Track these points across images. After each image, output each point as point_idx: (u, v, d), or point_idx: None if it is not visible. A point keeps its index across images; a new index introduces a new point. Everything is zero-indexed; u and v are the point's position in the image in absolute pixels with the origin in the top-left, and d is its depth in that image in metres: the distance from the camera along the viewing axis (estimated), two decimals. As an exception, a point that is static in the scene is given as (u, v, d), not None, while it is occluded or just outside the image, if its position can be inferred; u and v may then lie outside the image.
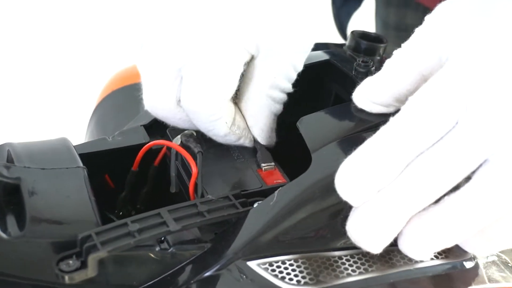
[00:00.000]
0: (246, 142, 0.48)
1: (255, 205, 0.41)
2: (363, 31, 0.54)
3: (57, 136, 0.47)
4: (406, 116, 0.37)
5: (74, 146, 0.46)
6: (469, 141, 0.36)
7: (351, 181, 0.37)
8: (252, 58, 0.46)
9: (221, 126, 0.46)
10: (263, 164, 0.45)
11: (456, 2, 0.41)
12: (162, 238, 0.40)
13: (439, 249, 0.38)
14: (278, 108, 0.48)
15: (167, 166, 0.48)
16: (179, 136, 0.46)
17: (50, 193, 0.40)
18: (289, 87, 0.48)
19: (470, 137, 0.36)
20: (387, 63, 0.42)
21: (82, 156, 0.44)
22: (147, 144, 0.47)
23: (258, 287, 0.37)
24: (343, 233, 0.39)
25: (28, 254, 0.37)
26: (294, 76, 0.48)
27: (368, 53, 0.52)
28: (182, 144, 0.46)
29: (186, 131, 0.47)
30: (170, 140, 0.47)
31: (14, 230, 0.37)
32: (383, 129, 0.37)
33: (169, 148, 0.47)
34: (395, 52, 0.42)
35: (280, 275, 0.38)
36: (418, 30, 0.42)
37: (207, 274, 0.38)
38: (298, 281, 0.38)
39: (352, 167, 0.37)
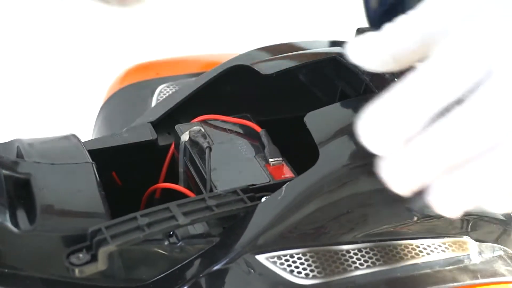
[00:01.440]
0: None
1: (263, 200, 0.41)
2: (368, 28, 0.54)
3: (65, 133, 0.47)
4: (436, 61, 0.34)
5: (82, 143, 0.46)
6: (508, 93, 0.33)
7: (376, 128, 0.34)
8: None
9: None
10: (271, 159, 0.45)
11: None
12: (171, 233, 0.40)
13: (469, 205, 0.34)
14: None
15: (175, 163, 0.48)
16: (187, 132, 0.47)
17: (60, 188, 0.40)
18: None
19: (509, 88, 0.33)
20: (389, 25, 0.38)
21: (90, 152, 0.45)
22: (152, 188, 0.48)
23: (266, 280, 0.38)
24: (351, 227, 0.39)
25: (38, 247, 0.37)
26: None
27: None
28: (190, 140, 0.46)
29: (194, 127, 0.47)
30: (179, 136, 0.47)
31: (25, 224, 0.38)
32: (412, 74, 0.34)
33: (177, 144, 0.48)
34: (398, 17, 0.38)
35: (288, 269, 0.38)
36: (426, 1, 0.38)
37: (216, 268, 0.38)
38: (307, 274, 0.38)
39: (377, 113, 0.34)
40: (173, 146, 0.49)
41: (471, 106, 0.33)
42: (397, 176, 0.34)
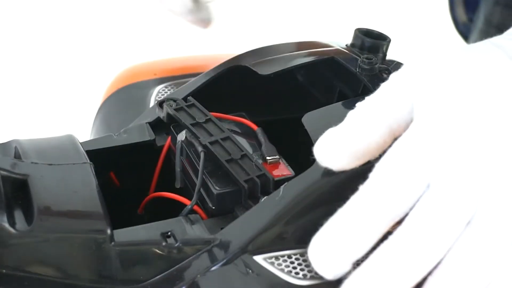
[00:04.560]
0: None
1: (261, 200, 0.41)
2: (367, 29, 0.54)
3: (63, 133, 0.47)
4: (375, 184, 0.36)
5: (80, 143, 0.46)
6: (447, 204, 0.35)
7: (324, 254, 0.35)
8: None
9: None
10: (268, 157, 0.45)
11: (425, 61, 0.40)
12: (169, 233, 0.40)
13: None
14: None
15: (172, 162, 0.48)
16: (183, 132, 0.47)
17: (58, 189, 0.40)
18: None
19: (447, 200, 0.35)
20: (351, 114, 0.39)
21: (88, 153, 0.44)
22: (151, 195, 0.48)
23: (264, 281, 0.38)
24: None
25: (36, 248, 0.37)
26: None
27: (372, 50, 0.53)
28: (187, 140, 0.46)
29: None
30: (175, 136, 0.48)
31: (22, 225, 0.38)
32: (352, 199, 0.36)
33: (174, 143, 0.48)
34: (358, 104, 0.40)
35: (286, 269, 0.38)
36: (383, 85, 0.40)
37: (213, 268, 0.38)
38: (304, 275, 0.38)
39: (324, 240, 0.35)
40: (167, 145, 0.49)
41: (409, 224, 0.35)
42: None
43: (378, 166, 0.36)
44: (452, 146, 0.36)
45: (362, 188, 0.36)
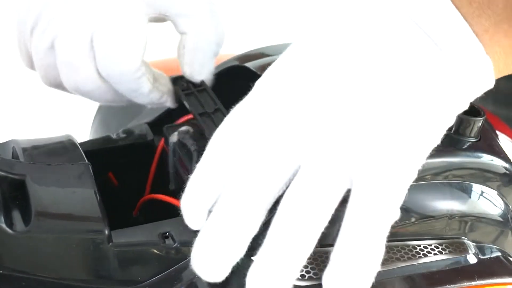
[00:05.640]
0: (169, 100, 0.50)
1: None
2: None
3: (61, 134, 0.47)
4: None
5: (78, 144, 0.46)
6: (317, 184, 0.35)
7: (205, 259, 0.36)
8: (185, 24, 0.49)
9: (144, 83, 0.47)
10: None
11: None
12: (167, 234, 0.40)
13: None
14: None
15: (165, 163, 0.48)
16: (175, 133, 0.46)
17: (55, 189, 0.40)
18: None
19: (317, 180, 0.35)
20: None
21: (86, 153, 0.44)
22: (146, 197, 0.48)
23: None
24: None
25: (33, 249, 0.37)
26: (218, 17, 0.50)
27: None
28: (179, 141, 0.46)
29: (182, 128, 0.47)
30: (167, 137, 0.47)
31: (20, 225, 0.38)
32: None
33: (166, 145, 0.48)
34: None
35: (284, 270, 0.38)
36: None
37: (212, 269, 0.38)
38: (302, 276, 0.38)
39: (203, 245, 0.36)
40: (160, 147, 0.49)
41: (284, 209, 0.35)
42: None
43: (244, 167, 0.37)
44: (319, 127, 0.36)
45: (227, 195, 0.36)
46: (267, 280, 0.35)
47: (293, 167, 0.36)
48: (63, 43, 0.47)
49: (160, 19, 0.49)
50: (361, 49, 0.36)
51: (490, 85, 0.37)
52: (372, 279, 0.35)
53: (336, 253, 0.35)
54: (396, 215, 0.36)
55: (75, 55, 0.47)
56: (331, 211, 0.35)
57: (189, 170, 0.44)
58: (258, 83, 0.39)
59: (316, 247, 0.39)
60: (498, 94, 0.54)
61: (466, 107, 0.38)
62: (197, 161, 0.42)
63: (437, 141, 0.37)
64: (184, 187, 0.45)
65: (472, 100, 0.38)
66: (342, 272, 0.35)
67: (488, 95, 0.38)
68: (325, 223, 0.35)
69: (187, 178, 0.44)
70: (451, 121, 0.38)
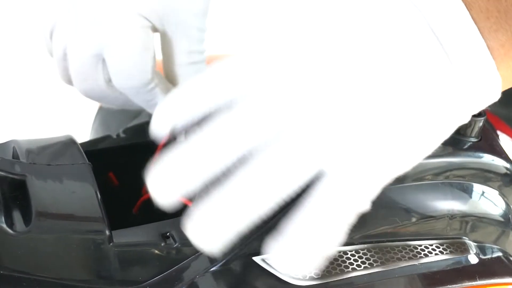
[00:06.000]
0: None
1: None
2: None
3: (62, 134, 0.47)
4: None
5: (79, 144, 0.46)
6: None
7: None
8: (163, 34, 0.50)
9: (158, 93, 0.48)
10: None
11: None
12: (168, 234, 0.40)
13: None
14: (203, 68, 0.51)
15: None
16: (184, 132, 0.46)
17: (56, 189, 0.40)
18: (203, 48, 0.51)
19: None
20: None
21: (87, 153, 0.44)
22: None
23: (264, 281, 0.38)
24: (348, 229, 0.39)
25: (34, 249, 0.37)
26: (203, 37, 0.51)
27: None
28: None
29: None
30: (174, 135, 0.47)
31: (20, 225, 0.38)
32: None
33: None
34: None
35: (285, 270, 0.38)
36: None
37: (213, 269, 0.38)
38: (304, 276, 0.38)
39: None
40: (161, 145, 0.48)
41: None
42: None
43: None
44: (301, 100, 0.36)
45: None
46: (206, 223, 0.35)
47: (273, 133, 0.36)
48: (73, 53, 0.48)
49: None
50: (368, 39, 0.36)
51: (495, 99, 0.37)
52: (317, 262, 0.35)
53: (290, 222, 0.35)
54: (365, 206, 0.36)
55: (83, 66, 0.48)
56: (290, 188, 0.35)
57: None
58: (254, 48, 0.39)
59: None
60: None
61: (466, 121, 0.37)
62: None
63: (426, 152, 0.37)
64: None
65: (473, 113, 0.38)
66: (287, 240, 0.34)
67: None
68: (281, 196, 0.35)
69: None
70: (446, 134, 0.37)
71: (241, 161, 0.35)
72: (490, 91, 0.36)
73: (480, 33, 0.35)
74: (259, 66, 0.37)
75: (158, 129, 0.38)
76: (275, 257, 0.35)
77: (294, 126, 0.35)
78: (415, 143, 0.36)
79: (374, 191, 0.36)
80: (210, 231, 0.35)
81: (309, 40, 0.37)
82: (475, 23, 0.35)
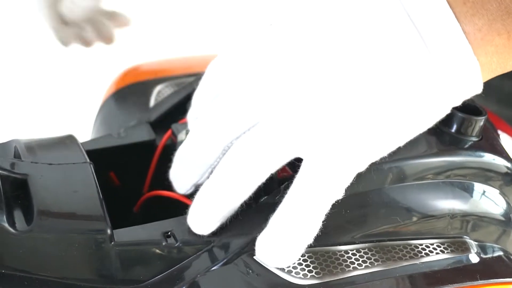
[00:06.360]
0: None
1: (261, 200, 0.41)
2: None
3: (63, 133, 0.47)
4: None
5: (80, 143, 0.46)
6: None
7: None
8: None
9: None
10: None
11: None
12: (169, 233, 0.40)
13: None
14: None
15: (167, 162, 0.48)
16: (184, 131, 0.47)
17: (58, 188, 0.40)
18: None
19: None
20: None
21: (88, 152, 0.44)
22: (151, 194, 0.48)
23: (264, 281, 0.37)
24: (349, 228, 0.39)
25: (35, 248, 0.37)
26: None
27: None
28: None
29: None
30: (175, 135, 0.47)
31: (22, 224, 0.38)
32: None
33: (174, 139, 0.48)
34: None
35: (286, 269, 0.38)
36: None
37: (214, 268, 0.38)
38: (305, 275, 0.38)
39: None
40: (162, 144, 0.49)
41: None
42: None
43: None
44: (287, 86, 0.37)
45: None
46: (202, 211, 0.39)
47: (253, 121, 0.38)
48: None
49: None
50: (343, 25, 0.36)
51: (478, 90, 0.37)
52: (300, 250, 0.37)
53: (273, 218, 0.37)
54: (339, 195, 0.37)
55: None
56: (270, 170, 0.38)
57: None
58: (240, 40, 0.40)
59: (317, 246, 0.39)
60: (501, 94, 0.55)
61: (446, 112, 0.38)
62: None
63: (402, 141, 0.38)
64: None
65: (454, 105, 0.38)
66: (273, 236, 0.37)
67: (491, 94, 0.38)
68: (260, 179, 0.38)
69: None
70: (425, 125, 0.38)
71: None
72: (469, 79, 0.36)
73: (457, 18, 0.35)
74: (240, 61, 0.39)
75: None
76: (260, 249, 0.37)
77: (271, 113, 0.37)
78: (391, 131, 0.37)
79: (348, 178, 0.37)
80: (203, 213, 0.39)
81: (287, 30, 0.38)
82: (451, 8, 0.35)
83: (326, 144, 0.36)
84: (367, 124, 0.36)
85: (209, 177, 0.39)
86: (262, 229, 0.38)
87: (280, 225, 0.37)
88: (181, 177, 0.41)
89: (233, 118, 0.38)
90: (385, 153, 0.38)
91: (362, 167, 0.38)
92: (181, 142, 0.46)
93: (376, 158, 0.38)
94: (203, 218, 0.39)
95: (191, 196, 0.44)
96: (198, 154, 0.40)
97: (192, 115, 0.43)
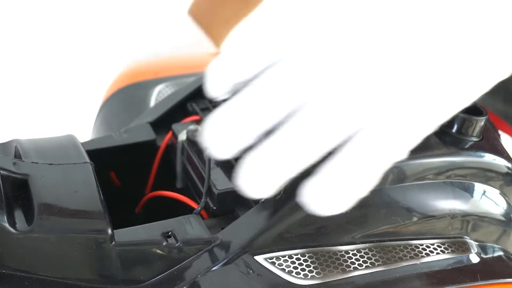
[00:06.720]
0: None
1: (262, 200, 0.41)
2: None
3: (64, 133, 0.47)
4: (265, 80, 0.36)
5: (81, 143, 0.46)
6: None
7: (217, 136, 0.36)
8: None
9: None
10: None
11: None
12: (169, 233, 0.40)
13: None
14: None
15: (172, 160, 0.48)
16: (184, 131, 0.47)
17: (58, 188, 0.40)
18: None
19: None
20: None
21: (88, 153, 0.44)
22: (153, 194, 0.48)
23: (265, 281, 0.38)
24: (349, 228, 0.39)
25: (36, 248, 0.37)
26: None
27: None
28: (188, 140, 0.46)
29: (191, 127, 0.47)
30: (176, 135, 0.48)
31: (23, 224, 0.38)
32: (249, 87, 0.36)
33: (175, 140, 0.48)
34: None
35: (287, 269, 0.38)
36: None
37: (214, 268, 0.38)
38: (305, 275, 0.38)
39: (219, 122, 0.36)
40: (164, 144, 0.49)
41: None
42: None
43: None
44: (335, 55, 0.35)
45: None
46: (265, 170, 0.35)
47: (318, 88, 0.35)
48: None
49: None
50: None
51: None
52: (351, 202, 0.35)
53: (327, 166, 0.35)
54: (402, 155, 0.35)
55: None
56: (335, 138, 0.35)
57: (197, 168, 0.44)
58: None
59: (317, 247, 0.39)
60: (508, 92, 0.54)
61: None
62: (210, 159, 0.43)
63: (469, 101, 0.36)
64: (191, 186, 0.45)
65: None
66: (326, 183, 0.34)
67: (498, 92, 0.37)
68: (330, 145, 0.35)
69: (195, 176, 0.44)
70: (490, 83, 0.36)
71: (288, 116, 0.35)
72: None
73: None
74: (304, 26, 0.36)
75: (215, 88, 0.37)
76: (308, 193, 0.35)
77: (336, 80, 0.35)
78: (457, 93, 0.36)
79: (413, 142, 0.36)
80: (260, 176, 0.35)
81: None
82: None
83: (394, 106, 0.35)
84: (434, 86, 0.35)
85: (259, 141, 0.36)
86: (265, 228, 0.38)
87: (339, 169, 0.35)
88: (228, 139, 0.36)
89: (298, 80, 0.35)
90: (451, 114, 0.36)
91: (428, 130, 0.36)
92: (182, 142, 0.47)
93: (443, 119, 0.36)
94: (266, 177, 0.35)
95: (196, 193, 0.44)
96: (253, 115, 0.35)
97: (230, 78, 0.37)
